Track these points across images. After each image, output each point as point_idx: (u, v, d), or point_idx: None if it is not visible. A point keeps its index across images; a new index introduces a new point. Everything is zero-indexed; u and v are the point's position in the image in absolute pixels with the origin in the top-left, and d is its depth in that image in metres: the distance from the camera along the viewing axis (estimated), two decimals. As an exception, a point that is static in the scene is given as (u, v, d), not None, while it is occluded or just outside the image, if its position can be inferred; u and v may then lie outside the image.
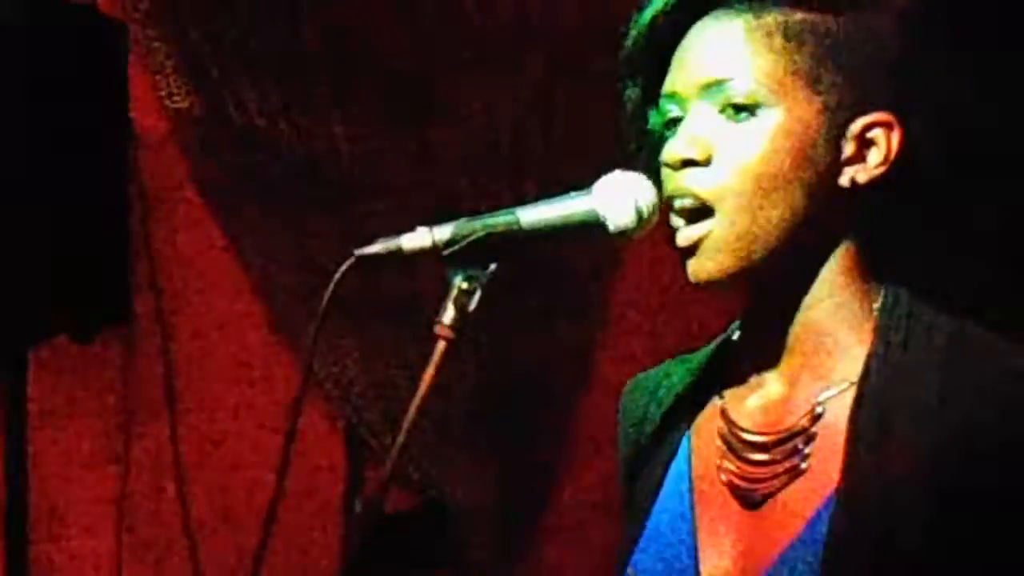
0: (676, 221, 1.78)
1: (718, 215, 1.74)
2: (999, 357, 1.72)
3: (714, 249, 1.74)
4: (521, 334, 3.98)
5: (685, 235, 1.76)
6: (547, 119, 4.03)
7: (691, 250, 1.76)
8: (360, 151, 3.98)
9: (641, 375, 1.98)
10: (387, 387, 4.03)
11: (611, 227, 1.77)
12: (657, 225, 1.79)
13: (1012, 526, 1.68)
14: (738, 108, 1.74)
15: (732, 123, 1.74)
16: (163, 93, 3.89)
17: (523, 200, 1.80)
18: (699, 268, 1.76)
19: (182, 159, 3.93)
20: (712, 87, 1.75)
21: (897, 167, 1.76)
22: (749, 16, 1.75)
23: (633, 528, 1.87)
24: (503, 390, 4.06)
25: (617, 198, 1.77)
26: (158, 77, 3.88)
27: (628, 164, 1.82)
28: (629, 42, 1.82)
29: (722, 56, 1.75)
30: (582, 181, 1.81)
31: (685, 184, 1.75)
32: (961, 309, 1.78)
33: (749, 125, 1.74)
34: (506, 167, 3.98)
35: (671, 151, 1.76)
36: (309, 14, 3.94)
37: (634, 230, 1.77)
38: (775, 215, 1.73)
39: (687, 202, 1.75)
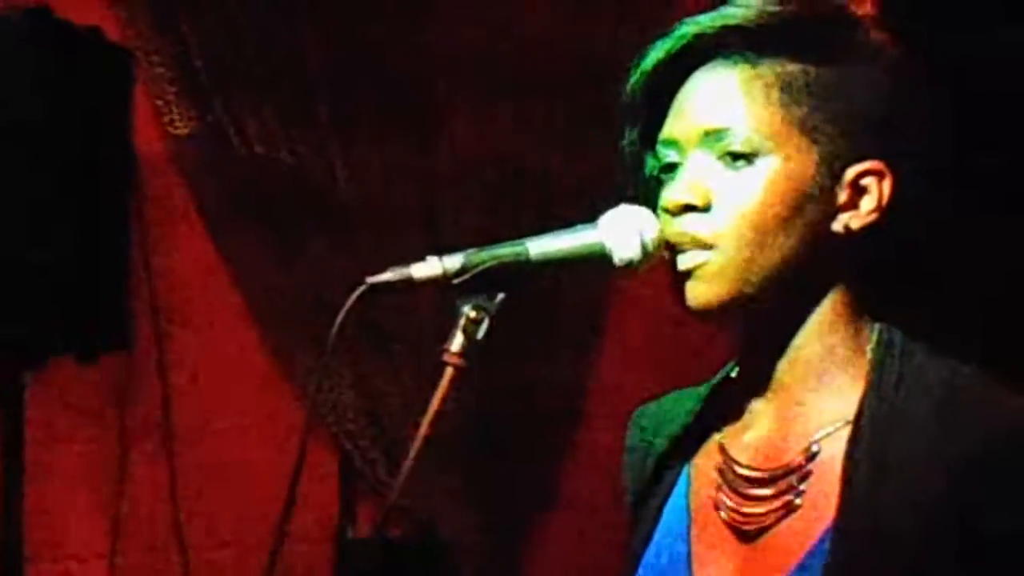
0: (675, 264, 1.81)
1: (718, 249, 1.78)
2: (993, 399, 1.75)
3: (712, 275, 1.77)
4: (514, 364, 4.00)
5: (686, 260, 1.79)
6: (548, 149, 4.06)
7: (688, 274, 1.79)
8: (359, 178, 4.00)
9: (647, 406, 2.01)
10: (380, 414, 4.04)
11: (616, 260, 1.80)
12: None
13: (1005, 567, 1.70)
14: (736, 156, 1.78)
15: (730, 171, 1.78)
16: (165, 119, 3.91)
17: (523, 229, 1.83)
18: (696, 294, 1.79)
19: (183, 184, 3.94)
20: (711, 136, 1.79)
21: (889, 213, 1.80)
22: (747, 67, 1.79)
23: (630, 561, 1.89)
24: (495, 420, 4.07)
25: (622, 231, 1.80)
26: (160, 103, 3.90)
27: (628, 199, 1.86)
28: (629, 88, 1.85)
29: (721, 106, 1.79)
30: (584, 213, 1.84)
31: (685, 229, 1.79)
32: (954, 350, 1.82)
33: (747, 173, 1.78)
34: (507, 196, 4.00)
35: (671, 197, 1.79)
36: (311, 41, 3.96)
37: (639, 263, 1.80)
38: (772, 256, 1.77)
39: (687, 247, 1.79)
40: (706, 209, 1.78)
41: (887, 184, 1.80)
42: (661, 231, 1.81)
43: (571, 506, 4.18)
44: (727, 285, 1.77)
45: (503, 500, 4.11)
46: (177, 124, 3.92)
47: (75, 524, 3.91)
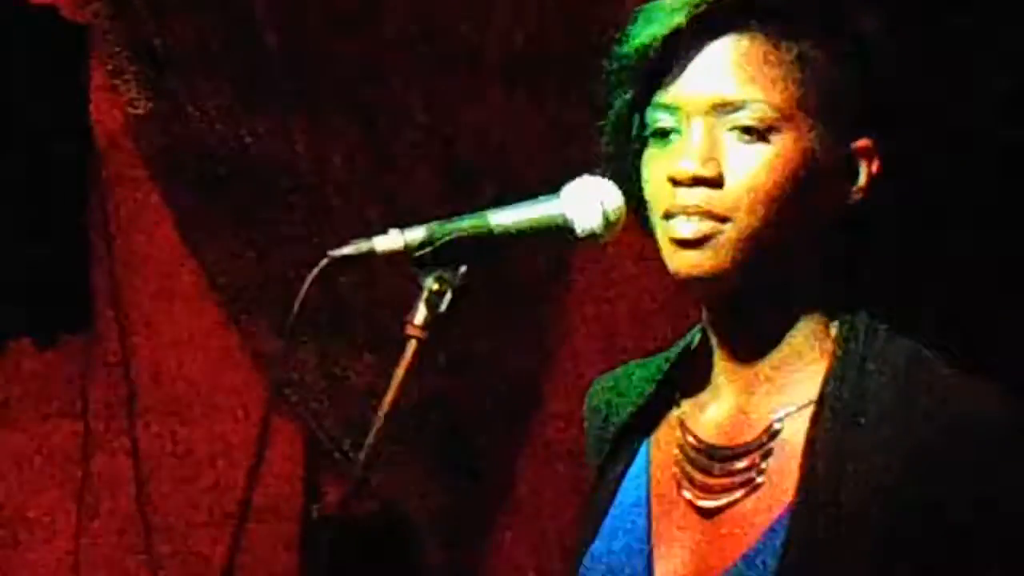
0: (675, 230, 1.80)
1: (733, 223, 1.77)
2: (955, 384, 1.76)
3: (721, 246, 1.77)
4: (475, 338, 4.00)
5: (694, 228, 1.78)
6: (508, 126, 4.05)
7: (695, 243, 1.78)
8: (320, 157, 3.99)
9: (603, 377, 2.01)
10: (345, 393, 4.04)
11: (578, 231, 1.80)
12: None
13: (963, 546, 1.71)
14: (749, 131, 1.77)
15: (742, 144, 1.78)
16: (124, 98, 3.89)
17: (482, 205, 1.83)
18: (700, 261, 1.77)
19: (142, 164, 3.92)
20: (724, 107, 1.78)
21: (873, 193, 1.82)
22: (767, 43, 1.79)
23: (588, 533, 1.89)
24: (456, 395, 4.07)
25: (584, 202, 1.80)
26: (118, 82, 3.88)
27: (591, 170, 1.85)
28: (633, 47, 1.83)
29: (739, 79, 1.78)
30: (543, 187, 1.84)
31: (695, 201, 1.77)
32: (917, 331, 1.83)
33: (760, 148, 1.77)
34: (466, 172, 4.00)
35: (682, 167, 1.78)
36: (269, 20, 3.95)
37: (601, 234, 1.81)
38: (779, 233, 1.78)
39: (695, 219, 1.78)
40: (718, 183, 1.77)
41: (875, 164, 1.81)
42: (623, 201, 1.81)
43: (538, 481, 4.18)
44: (735, 257, 1.77)
45: (468, 475, 4.11)
46: (136, 103, 3.90)
47: (39, 505, 3.89)
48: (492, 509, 4.18)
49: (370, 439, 1.76)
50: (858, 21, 1.82)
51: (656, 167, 1.80)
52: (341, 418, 4.03)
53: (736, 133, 1.78)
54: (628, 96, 1.84)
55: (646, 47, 1.81)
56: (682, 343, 1.94)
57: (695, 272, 1.78)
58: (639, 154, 1.83)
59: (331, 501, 4.04)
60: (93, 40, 3.72)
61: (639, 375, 1.96)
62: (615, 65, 1.85)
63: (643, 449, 1.90)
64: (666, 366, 1.93)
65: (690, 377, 1.88)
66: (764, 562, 1.74)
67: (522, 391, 4.18)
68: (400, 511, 4.07)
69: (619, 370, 2.00)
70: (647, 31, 1.82)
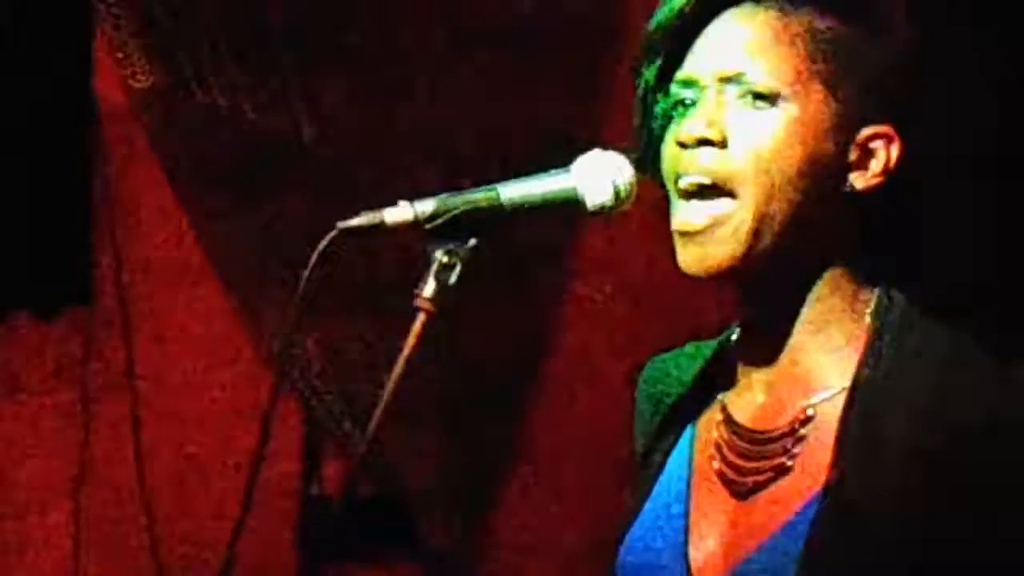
0: (681, 201, 1.81)
1: (740, 199, 1.79)
2: (992, 369, 1.78)
3: (729, 233, 1.78)
4: (479, 315, 4.00)
5: (704, 213, 1.79)
6: (514, 98, 4.05)
7: (698, 233, 1.80)
8: (324, 132, 3.98)
9: (658, 358, 2.03)
10: (345, 370, 4.04)
11: (589, 205, 1.82)
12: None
13: (995, 532, 1.73)
14: (757, 96, 1.80)
15: (750, 110, 1.80)
16: (126, 71, 3.87)
17: (487, 180, 1.83)
18: (705, 255, 1.80)
19: (145, 137, 3.91)
20: (734, 78, 1.80)
21: (895, 178, 1.82)
22: (778, 15, 1.82)
23: (631, 511, 1.93)
24: (460, 372, 4.07)
25: (595, 176, 1.81)
26: (121, 55, 3.87)
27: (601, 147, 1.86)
28: (654, 24, 1.86)
29: (747, 50, 1.81)
30: (549, 163, 1.84)
31: (699, 162, 1.80)
32: (953, 314, 1.82)
33: (767, 114, 1.79)
34: (471, 146, 4.00)
35: (688, 130, 1.80)
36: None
37: (612, 208, 1.82)
38: (784, 209, 1.79)
39: (698, 179, 1.79)
40: (722, 145, 1.79)
41: (895, 149, 1.82)
42: (634, 176, 1.82)
43: (540, 461, 4.18)
44: (741, 245, 1.79)
45: (471, 455, 4.11)
46: (139, 77, 3.88)
47: (38, 476, 3.90)
48: (498, 488, 4.18)
49: (376, 414, 1.76)
50: (882, 4, 1.84)
51: (671, 136, 1.83)
52: (341, 395, 4.03)
53: (746, 99, 1.80)
54: (653, 71, 1.86)
55: (662, 21, 1.85)
56: (726, 333, 1.96)
57: (708, 265, 1.80)
58: (664, 132, 1.85)
59: (332, 479, 4.04)
60: (97, 13, 3.71)
61: (691, 358, 1.99)
62: (644, 39, 1.87)
63: (688, 431, 1.93)
64: (714, 352, 1.96)
65: (734, 362, 1.91)
66: (793, 542, 1.76)
67: (530, 365, 4.18)
68: (402, 488, 4.07)
69: (674, 352, 2.03)
70: (667, 5, 1.85)
